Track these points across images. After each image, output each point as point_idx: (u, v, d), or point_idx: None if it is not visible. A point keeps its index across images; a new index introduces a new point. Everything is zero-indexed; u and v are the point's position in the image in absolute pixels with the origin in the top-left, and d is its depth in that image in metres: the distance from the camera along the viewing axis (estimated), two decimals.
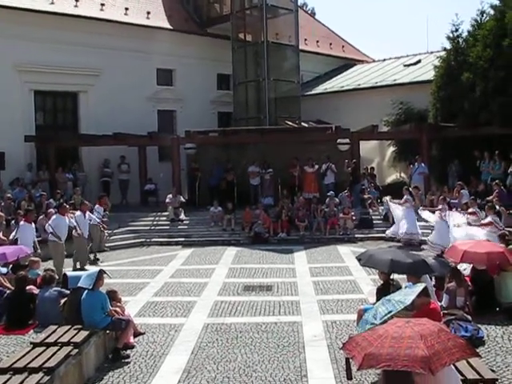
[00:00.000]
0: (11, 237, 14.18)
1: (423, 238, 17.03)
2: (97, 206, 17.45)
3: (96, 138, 22.52)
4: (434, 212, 16.52)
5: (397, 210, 18.37)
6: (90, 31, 23.57)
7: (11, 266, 11.86)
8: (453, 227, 14.55)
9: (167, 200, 20.90)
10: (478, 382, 6.51)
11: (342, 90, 29.60)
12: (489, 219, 14.06)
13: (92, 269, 11.16)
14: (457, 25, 23.09)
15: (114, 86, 24.20)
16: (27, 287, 10.31)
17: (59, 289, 10.05)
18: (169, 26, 26.96)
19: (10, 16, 21.54)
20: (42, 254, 13.94)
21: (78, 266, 14.91)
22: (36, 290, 10.33)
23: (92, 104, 24.28)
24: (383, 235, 18.94)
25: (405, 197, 18.42)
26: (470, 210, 15.62)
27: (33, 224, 14.35)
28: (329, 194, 20.38)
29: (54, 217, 14.59)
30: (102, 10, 24.78)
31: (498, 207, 15.21)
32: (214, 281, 13.56)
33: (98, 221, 16.92)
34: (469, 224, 14.51)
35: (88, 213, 15.91)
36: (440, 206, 16.36)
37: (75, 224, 14.86)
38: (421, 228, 17.75)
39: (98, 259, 16.56)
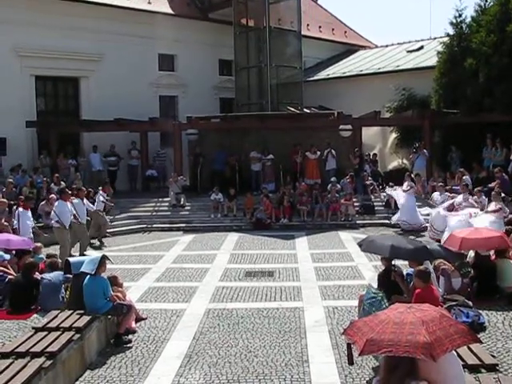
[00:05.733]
0: (15, 225, 14.17)
1: (426, 225, 16.99)
2: (101, 192, 17.53)
3: (97, 123, 22.46)
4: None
5: (400, 198, 18.28)
6: (91, 16, 23.40)
7: (15, 251, 11.87)
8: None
9: (170, 179, 21.10)
10: (479, 368, 6.54)
11: (345, 76, 29.49)
12: (498, 206, 14.08)
13: (94, 254, 11.21)
14: (460, 10, 22.92)
15: (116, 71, 24.08)
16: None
17: (62, 274, 10.08)
18: (170, 11, 26.76)
19: (10, 1, 21.37)
20: (44, 239, 14.03)
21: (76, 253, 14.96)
22: (38, 276, 10.35)
23: (93, 89, 24.17)
24: (385, 221, 18.97)
25: (406, 183, 18.43)
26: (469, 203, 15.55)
27: (29, 212, 14.34)
28: (332, 179, 20.40)
29: (56, 203, 14.61)
30: None
31: (503, 194, 15.24)
32: (215, 266, 13.59)
33: (101, 205, 17.12)
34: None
35: (85, 200, 15.99)
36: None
37: (74, 211, 14.88)
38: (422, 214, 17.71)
39: (103, 243, 16.77)
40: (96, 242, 16.86)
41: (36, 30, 21.96)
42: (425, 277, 7.79)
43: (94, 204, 16.92)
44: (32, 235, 13.75)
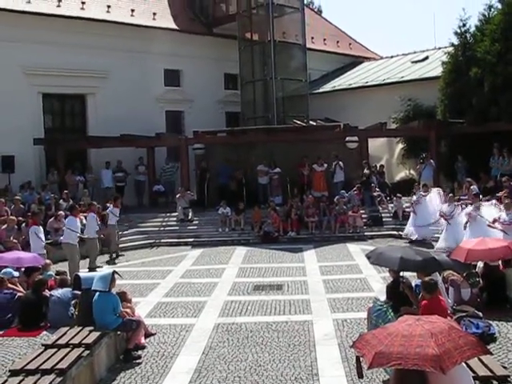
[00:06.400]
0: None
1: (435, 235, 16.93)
2: (111, 207, 17.61)
3: (104, 139, 22.58)
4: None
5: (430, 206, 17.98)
6: (96, 33, 23.62)
7: (24, 269, 11.91)
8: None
9: (177, 195, 21.10)
10: (490, 379, 6.48)
11: (350, 88, 29.55)
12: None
13: (104, 270, 11.22)
14: (464, 20, 22.95)
15: (122, 87, 24.23)
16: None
17: (71, 290, 10.10)
18: (175, 27, 26.97)
19: (16, 20, 21.60)
20: (53, 256, 14.11)
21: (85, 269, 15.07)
22: (47, 293, 10.38)
23: (100, 106, 24.32)
24: (393, 232, 18.94)
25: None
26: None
27: (41, 227, 14.37)
28: (341, 192, 20.44)
29: (67, 219, 14.68)
30: (108, 11, 24.82)
31: None
32: (224, 281, 13.58)
33: (114, 222, 17.35)
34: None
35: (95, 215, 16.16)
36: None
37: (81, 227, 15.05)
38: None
39: (117, 257, 17.15)
40: (113, 256, 17.24)
41: (42, 48, 22.17)
42: (429, 288, 7.76)
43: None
44: (44, 251, 13.75)
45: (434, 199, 17.83)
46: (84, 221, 15.92)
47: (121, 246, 18.27)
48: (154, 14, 26.67)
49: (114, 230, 17.45)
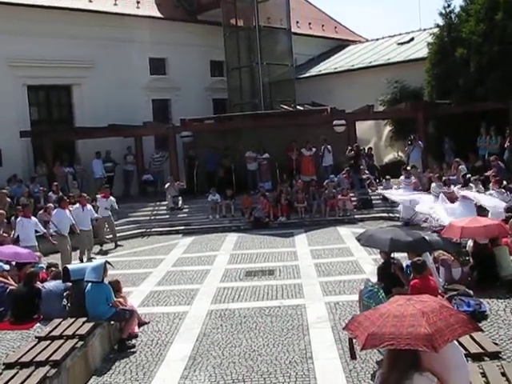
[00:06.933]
0: (15, 235, 14.10)
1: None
2: (99, 197, 17.53)
3: (91, 130, 22.42)
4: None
5: (396, 196, 18.12)
6: (80, 23, 23.33)
7: (15, 262, 11.85)
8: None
9: (166, 185, 21.04)
10: (482, 356, 6.57)
11: (337, 72, 29.50)
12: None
13: (96, 261, 11.20)
14: (449, 0, 22.94)
15: (107, 77, 24.03)
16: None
17: (62, 282, 10.07)
18: (159, 15, 26.75)
19: None
20: (42, 249, 14.04)
21: (85, 258, 15.08)
22: (40, 285, 10.35)
23: (86, 96, 24.10)
24: (383, 215, 18.98)
25: (401, 177, 18.52)
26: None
27: (32, 218, 14.26)
28: (331, 176, 20.48)
29: (55, 211, 14.62)
30: (90, 1, 24.48)
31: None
32: (216, 268, 13.61)
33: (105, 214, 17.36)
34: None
35: (89, 206, 16.10)
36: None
37: (74, 219, 14.97)
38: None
39: (116, 246, 17.28)
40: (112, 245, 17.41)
41: (26, 40, 21.85)
42: (418, 268, 7.85)
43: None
44: (36, 243, 13.69)
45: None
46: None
47: (112, 236, 18.21)
48: (138, 2, 26.37)
49: (104, 221, 17.37)
